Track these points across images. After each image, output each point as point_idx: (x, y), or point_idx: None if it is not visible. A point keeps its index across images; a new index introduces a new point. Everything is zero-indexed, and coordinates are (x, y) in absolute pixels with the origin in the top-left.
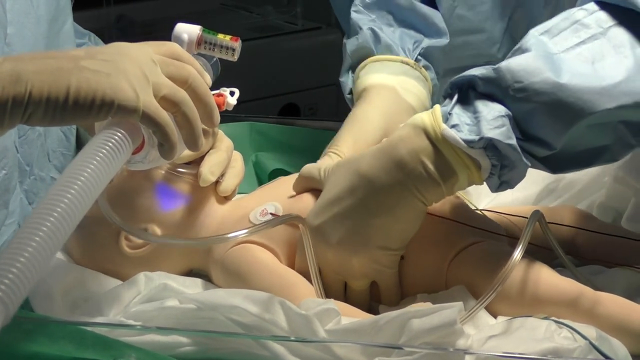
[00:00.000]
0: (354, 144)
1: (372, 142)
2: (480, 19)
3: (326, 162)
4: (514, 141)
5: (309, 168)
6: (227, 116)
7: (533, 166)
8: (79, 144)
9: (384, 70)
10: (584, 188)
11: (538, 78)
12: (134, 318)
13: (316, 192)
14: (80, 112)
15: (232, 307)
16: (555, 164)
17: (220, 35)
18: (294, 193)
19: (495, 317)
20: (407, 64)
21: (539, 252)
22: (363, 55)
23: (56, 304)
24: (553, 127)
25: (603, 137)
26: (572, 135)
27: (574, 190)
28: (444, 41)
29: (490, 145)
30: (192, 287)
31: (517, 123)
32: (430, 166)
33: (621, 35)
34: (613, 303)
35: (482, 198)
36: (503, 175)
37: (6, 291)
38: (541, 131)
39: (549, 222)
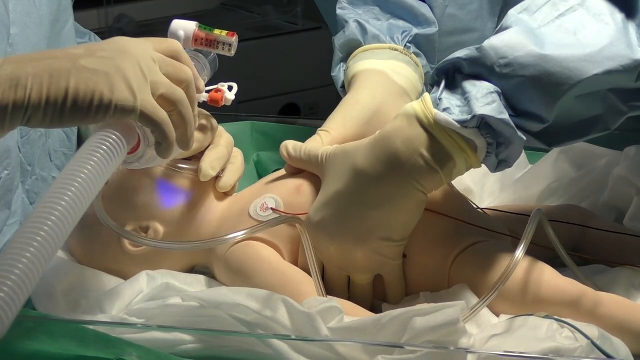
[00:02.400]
0: (343, 123)
1: (361, 121)
2: (470, 18)
3: (316, 142)
4: (506, 116)
5: (307, 150)
6: (229, 116)
7: (528, 142)
8: (80, 144)
9: (374, 57)
10: (586, 188)
11: (522, 52)
12: (136, 316)
13: (314, 182)
14: (79, 114)
15: (235, 305)
16: (550, 138)
17: (217, 31)
18: (293, 187)
19: (497, 315)
20: (397, 49)
21: (541, 252)
22: (352, 48)
23: (58, 302)
24: (542, 99)
25: (594, 107)
26: (563, 107)
27: (576, 189)
28: (432, 30)
29: (483, 124)
30: (195, 284)
31: (507, 99)
32: (427, 153)
33: (599, 3)
34: (614, 303)
35: (484, 198)
36: (500, 154)
37: (1, 305)
38: (531, 105)
39: (550, 220)
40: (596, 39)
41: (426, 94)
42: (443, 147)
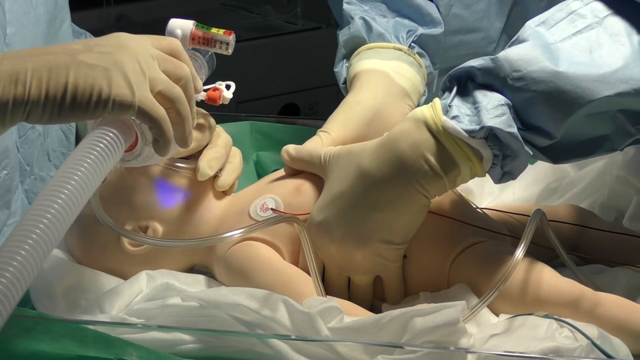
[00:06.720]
0: (343, 124)
1: (362, 122)
2: (476, 17)
3: (316, 142)
4: (514, 129)
5: (308, 150)
6: (228, 116)
7: (534, 156)
8: (78, 143)
9: (377, 56)
10: (585, 187)
11: (536, 67)
12: (136, 316)
13: (315, 182)
14: (78, 109)
15: (235, 304)
16: (556, 154)
17: (214, 29)
18: (293, 187)
19: (497, 315)
20: (401, 49)
21: (541, 252)
22: (356, 45)
23: (57, 302)
24: (552, 115)
25: (602, 126)
26: (571, 124)
27: (575, 189)
28: (438, 30)
29: (491, 135)
30: (195, 284)
31: (517, 112)
32: (432, 159)
33: (617, 23)
34: (614, 304)
35: (484, 197)
36: (505, 166)
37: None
38: (540, 120)
39: (550, 220)
40: (611, 60)
41: (436, 99)
42: (449, 154)
